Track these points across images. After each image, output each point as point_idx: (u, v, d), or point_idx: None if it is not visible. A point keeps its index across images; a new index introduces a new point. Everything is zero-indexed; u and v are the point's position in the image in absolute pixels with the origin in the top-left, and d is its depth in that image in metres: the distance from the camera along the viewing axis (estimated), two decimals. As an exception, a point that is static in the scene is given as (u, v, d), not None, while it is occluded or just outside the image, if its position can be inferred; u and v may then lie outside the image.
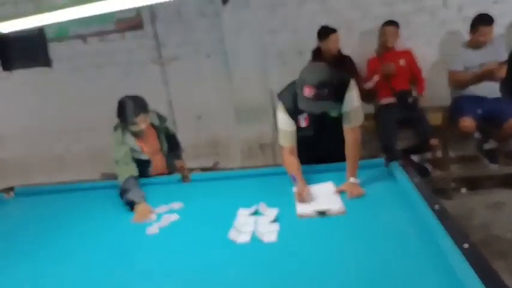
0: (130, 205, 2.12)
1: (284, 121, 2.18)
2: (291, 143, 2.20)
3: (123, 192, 2.19)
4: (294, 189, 2.05)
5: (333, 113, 2.15)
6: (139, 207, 2.07)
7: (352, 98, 2.11)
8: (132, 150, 2.38)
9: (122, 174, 2.25)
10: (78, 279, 1.57)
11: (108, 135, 4.04)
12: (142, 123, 2.33)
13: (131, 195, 2.13)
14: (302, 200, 1.96)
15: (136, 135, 2.41)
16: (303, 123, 2.19)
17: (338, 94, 2.07)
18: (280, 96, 2.19)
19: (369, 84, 3.54)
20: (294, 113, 2.14)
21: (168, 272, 1.54)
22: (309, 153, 2.32)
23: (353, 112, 2.12)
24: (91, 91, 4.17)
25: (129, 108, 2.28)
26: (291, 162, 2.17)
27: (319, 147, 2.31)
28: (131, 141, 2.39)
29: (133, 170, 2.30)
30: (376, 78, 3.51)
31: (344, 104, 2.11)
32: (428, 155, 3.69)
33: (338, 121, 2.16)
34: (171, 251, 1.71)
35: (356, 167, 2.09)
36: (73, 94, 4.22)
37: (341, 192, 1.99)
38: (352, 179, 2.04)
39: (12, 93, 4.29)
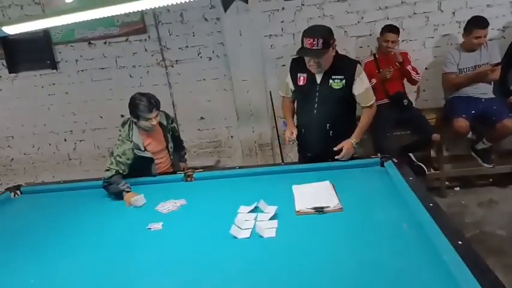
0: (118, 195, 2.31)
1: (288, 77, 2.58)
2: (288, 94, 2.64)
3: (108, 185, 2.34)
4: (285, 132, 2.53)
5: (336, 85, 2.38)
6: (128, 195, 2.27)
7: (362, 81, 2.40)
8: (136, 147, 2.43)
9: (110, 170, 2.36)
10: (83, 275, 1.60)
11: (112, 135, 4.11)
12: (154, 119, 2.41)
13: (119, 187, 2.30)
14: (291, 139, 2.46)
15: (146, 131, 2.48)
16: (301, 82, 2.47)
17: (343, 70, 2.37)
18: (293, 58, 2.55)
19: None
20: (296, 70, 2.50)
21: (171, 267, 1.57)
22: (301, 116, 2.63)
23: (366, 93, 2.42)
24: (96, 93, 4.20)
25: (143, 105, 2.34)
26: (287, 106, 2.68)
27: (310, 111, 2.50)
28: (137, 138, 2.45)
29: (123, 170, 2.39)
30: (373, 81, 3.54)
31: (355, 88, 2.40)
32: (422, 154, 3.72)
33: (338, 93, 2.38)
34: (174, 246, 1.74)
35: (361, 132, 2.46)
36: (79, 96, 4.24)
37: (337, 191, 2.04)
38: (353, 139, 2.39)
39: (18, 95, 4.31)
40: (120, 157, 2.39)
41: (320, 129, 2.47)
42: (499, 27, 3.67)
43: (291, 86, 2.56)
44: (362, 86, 2.41)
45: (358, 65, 2.42)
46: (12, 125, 4.45)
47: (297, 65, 2.46)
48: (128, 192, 2.29)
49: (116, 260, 1.69)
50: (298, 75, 2.47)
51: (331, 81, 2.37)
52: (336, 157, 2.34)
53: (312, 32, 2.26)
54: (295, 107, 2.68)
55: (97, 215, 2.20)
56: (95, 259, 1.72)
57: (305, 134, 2.56)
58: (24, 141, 4.49)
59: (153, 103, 2.37)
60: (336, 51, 2.39)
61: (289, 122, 2.59)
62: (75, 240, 1.93)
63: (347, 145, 2.34)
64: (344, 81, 2.36)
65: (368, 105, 2.46)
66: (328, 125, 2.46)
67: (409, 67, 3.51)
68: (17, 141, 4.52)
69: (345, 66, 2.37)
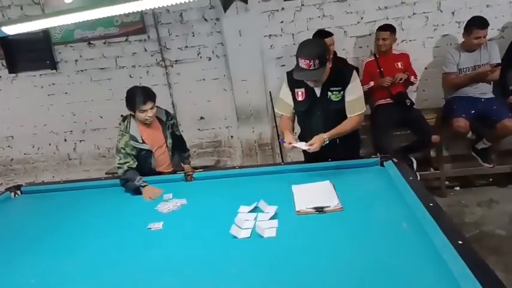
0: (136, 191, 2.35)
1: (284, 92, 2.45)
2: (287, 113, 2.48)
3: (125, 182, 2.39)
4: (285, 144, 2.29)
5: (334, 97, 2.31)
6: (146, 189, 2.32)
7: (354, 88, 2.30)
8: (133, 139, 2.46)
9: (121, 167, 2.41)
10: (83, 274, 1.60)
11: (112, 135, 4.11)
12: (149, 111, 2.44)
13: (136, 183, 2.34)
14: (290, 146, 2.24)
15: (144, 124, 2.51)
16: (300, 97, 2.39)
17: (340, 81, 2.28)
18: (288, 71, 2.40)
19: (363, 88, 3.62)
20: (293, 85, 2.38)
21: (171, 267, 1.57)
22: (303, 130, 2.54)
23: (355, 101, 2.31)
24: (96, 93, 4.21)
25: (138, 96, 2.40)
26: (286, 125, 2.47)
27: (312, 125, 2.42)
28: (135, 130, 2.48)
29: (132, 162, 2.43)
30: (371, 83, 3.58)
31: (346, 94, 2.30)
32: (423, 154, 3.74)
33: (337, 105, 2.32)
34: (175, 246, 1.74)
35: (335, 134, 2.30)
36: (78, 96, 4.25)
37: (337, 190, 2.03)
38: (324, 135, 2.25)
39: (18, 95, 4.31)
40: (125, 149, 2.44)
41: (322, 127, 2.39)
42: (499, 27, 3.68)
43: (290, 102, 2.45)
44: (353, 93, 2.31)
45: (354, 72, 2.34)
46: (12, 125, 4.45)
47: (293, 79, 2.33)
48: (144, 186, 2.34)
49: (116, 260, 1.68)
50: (296, 90, 2.39)
51: (329, 93, 2.31)
52: (304, 147, 2.26)
53: (307, 52, 2.16)
54: (296, 120, 2.58)
55: (97, 214, 2.20)
56: (95, 259, 1.72)
57: None
58: (24, 141, 4.50)
59: (147, 95, 2.42)
60: (333, 59, 2.28)
61: (287, 134, 2.37)
62: (75, 240, 1.92)
63: (319, 139, 2.22)
64: (342, 92, 2.30)
65: (354, 115, 2.34)
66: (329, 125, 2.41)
67: (411, 78, 3.54)
68: (17, 141, 4.52)
69: (342, 76, 2.29)
